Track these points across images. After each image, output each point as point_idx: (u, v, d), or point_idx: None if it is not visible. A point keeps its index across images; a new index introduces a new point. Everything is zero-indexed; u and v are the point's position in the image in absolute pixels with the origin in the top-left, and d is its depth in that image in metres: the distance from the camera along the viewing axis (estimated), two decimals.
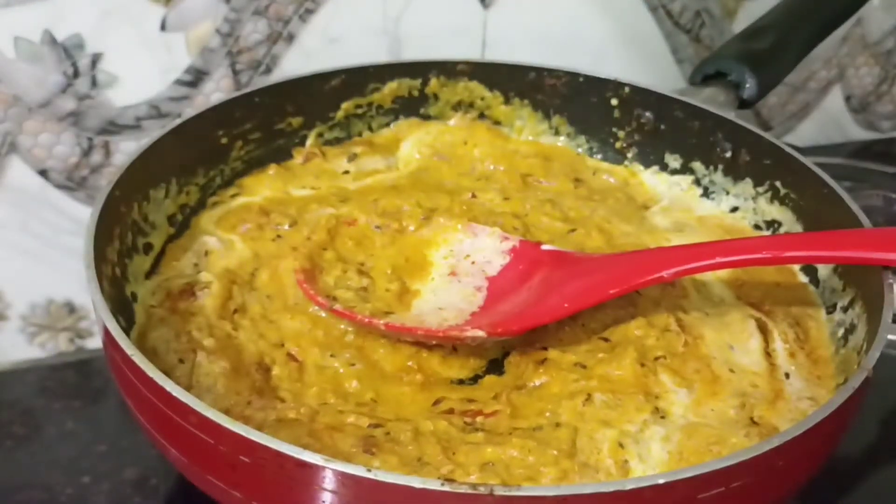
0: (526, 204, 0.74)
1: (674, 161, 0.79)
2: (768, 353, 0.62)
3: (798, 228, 0.71)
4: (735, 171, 0.75)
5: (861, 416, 0.54)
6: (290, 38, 0.83)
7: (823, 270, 0.67)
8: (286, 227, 0.70)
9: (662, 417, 0.57)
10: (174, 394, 0.48)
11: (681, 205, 0.77)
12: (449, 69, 0.81)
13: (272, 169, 0.76)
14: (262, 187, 0.75)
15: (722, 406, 0.58)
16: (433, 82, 0.81)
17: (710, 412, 0.57)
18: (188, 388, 0.56)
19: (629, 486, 0.44)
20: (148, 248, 0.67)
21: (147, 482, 0.65)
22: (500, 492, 0.43)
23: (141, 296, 0.64)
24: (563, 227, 0.72)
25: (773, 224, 0.73)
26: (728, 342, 0.63)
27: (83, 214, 0.61)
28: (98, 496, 0.65)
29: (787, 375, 0.61)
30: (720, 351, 0.62)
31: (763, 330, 0.64)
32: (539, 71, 0.81)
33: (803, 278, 0.69)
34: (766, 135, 0.73)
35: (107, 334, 0.53)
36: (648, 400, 0.57)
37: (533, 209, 0.74)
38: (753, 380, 0.60)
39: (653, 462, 0.54)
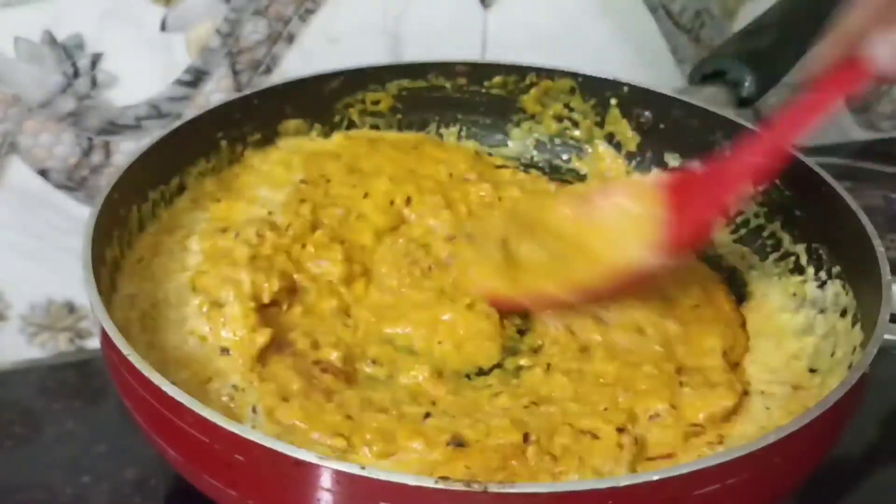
0: None
1: (673, 160, 0.79)
2: None
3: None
4: None
5: (861, 416, 0.54)
6: (290, 39, 0.83)
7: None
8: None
9: None
10: (170, 393, 0.48)
11: None
12: (448, 69, 0.81)
13: None
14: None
15: None
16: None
17: None
18: None
19: (623, 483, 0.44)
20: None
21: (147, 482, 0.65)
22: (494, 489, 0.43)
23: None
24: None
25: None
26: None
27: (83, 214, 0.60)
28: (98, 496, 0.65)
29: None
30: None
31: None
32: (538, 71, 0.81)
33: None
34: None
35: (104, 335, 0.53)
36: None
37: None
38: None
39: None
